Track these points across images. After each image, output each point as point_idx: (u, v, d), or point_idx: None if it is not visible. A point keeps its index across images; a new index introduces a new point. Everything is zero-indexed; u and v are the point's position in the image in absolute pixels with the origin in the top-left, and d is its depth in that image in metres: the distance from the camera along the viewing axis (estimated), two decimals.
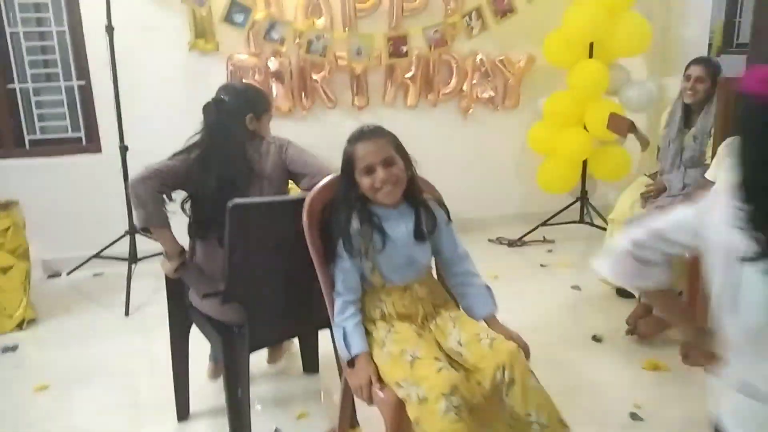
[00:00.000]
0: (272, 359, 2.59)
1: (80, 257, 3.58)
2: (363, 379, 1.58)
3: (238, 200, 1.78)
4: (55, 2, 3.54)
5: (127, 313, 3.10)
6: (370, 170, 1.62)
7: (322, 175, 1.88)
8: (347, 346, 1.62)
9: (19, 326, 2.96)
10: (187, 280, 2.05)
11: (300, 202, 1.76)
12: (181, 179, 1.97)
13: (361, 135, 1.64)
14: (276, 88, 3.74)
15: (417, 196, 1.71)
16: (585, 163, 4.01)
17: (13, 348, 2.79)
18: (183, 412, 2.23)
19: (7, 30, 3.52)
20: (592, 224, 4.06)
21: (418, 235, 1.68)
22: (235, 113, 2.07)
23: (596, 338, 2.77)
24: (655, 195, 2.97)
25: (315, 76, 3.78)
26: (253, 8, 3.53)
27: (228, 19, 3.53)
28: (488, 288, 1.78)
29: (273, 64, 3.68)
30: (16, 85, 3.60)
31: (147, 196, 1.92)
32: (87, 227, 3.65)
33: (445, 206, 1.78)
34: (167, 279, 2.10)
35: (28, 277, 3.07)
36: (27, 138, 3.68)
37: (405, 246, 1.66)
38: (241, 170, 1.99)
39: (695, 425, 2.08)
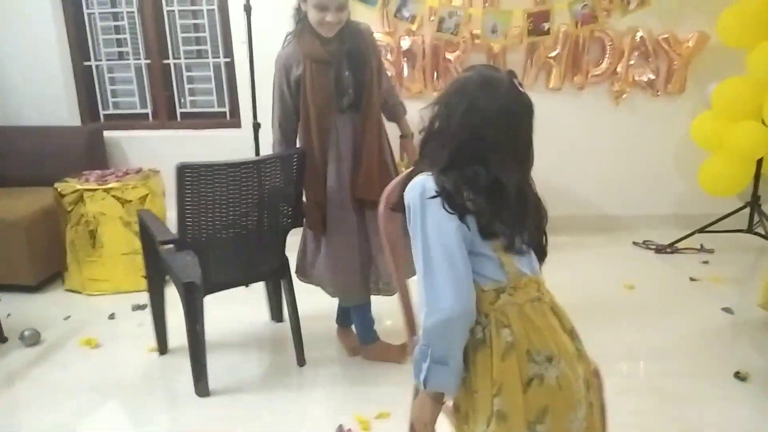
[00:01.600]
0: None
1: None
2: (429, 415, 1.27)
3: (185, 162, 2.01)
4: None
5: None
6: None
7: None
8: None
9: None
10: (151, 227, 2.31)
11: (252, 163, 2.17)
12: None
13: None
14: (407, 69, 3.62)
15: None
16: (760, 162, 3.38)
17: (143, 306, 2.96)
18: (163, 348, 2.62)
19: (165, 9, 3.80)
20: (763, 236, 3.44)
21: None
22: None
23: (739, 376, 2.32)
24: None
25: (449, 56, 3.59)
26: None
27: None
28: None
29: (405, 43, 3.56)
30: (171, 61, 3.88)
31: None
32: None
33: None
34: (141, 230, 2.43)
35: None
36: (179, 110, 3.98)
37: None
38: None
39: None
